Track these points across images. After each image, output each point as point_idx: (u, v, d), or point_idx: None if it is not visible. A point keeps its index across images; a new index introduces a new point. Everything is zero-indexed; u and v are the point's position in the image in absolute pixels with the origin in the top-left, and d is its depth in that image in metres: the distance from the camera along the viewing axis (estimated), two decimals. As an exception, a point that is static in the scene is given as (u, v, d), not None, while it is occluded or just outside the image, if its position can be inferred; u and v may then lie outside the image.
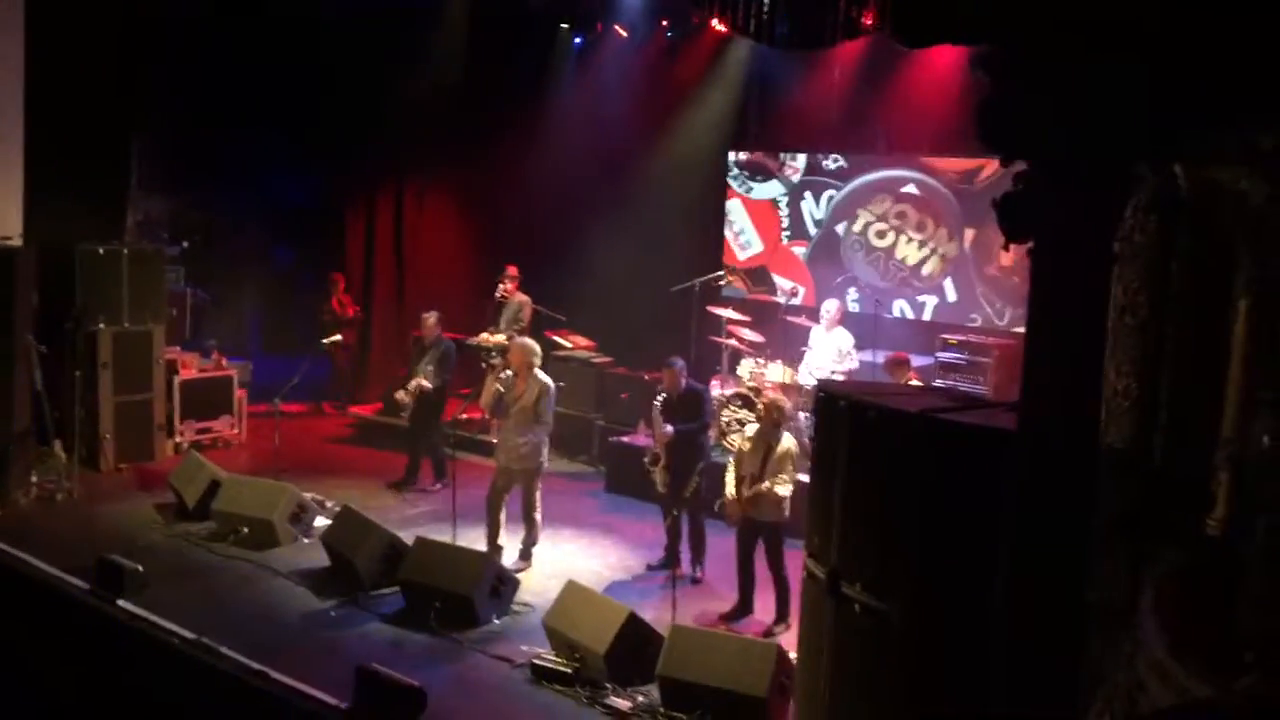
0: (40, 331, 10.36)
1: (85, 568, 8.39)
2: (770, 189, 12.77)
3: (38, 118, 11.11)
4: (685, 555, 8.73)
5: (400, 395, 10.82)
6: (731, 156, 13.03)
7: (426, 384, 10.49)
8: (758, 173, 12.89)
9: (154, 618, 7.81)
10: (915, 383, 9.27)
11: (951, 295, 11.54)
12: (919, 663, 4.99)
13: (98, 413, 11.08)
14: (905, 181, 11.84)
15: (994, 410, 5.46)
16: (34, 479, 10.27)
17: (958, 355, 10.58)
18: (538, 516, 8.98)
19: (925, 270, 11.70)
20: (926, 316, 11.67)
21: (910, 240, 11.79)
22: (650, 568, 8.96)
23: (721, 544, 8.74)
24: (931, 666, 4.95)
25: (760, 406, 8.43)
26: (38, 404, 10.28)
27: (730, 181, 13.06)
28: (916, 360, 10.09)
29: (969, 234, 11.44)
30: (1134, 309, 3.77)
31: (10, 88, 11.01)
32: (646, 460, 8.77)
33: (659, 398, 8.80)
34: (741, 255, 12.97)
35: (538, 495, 8.96)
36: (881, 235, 11.98)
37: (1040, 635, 4.08)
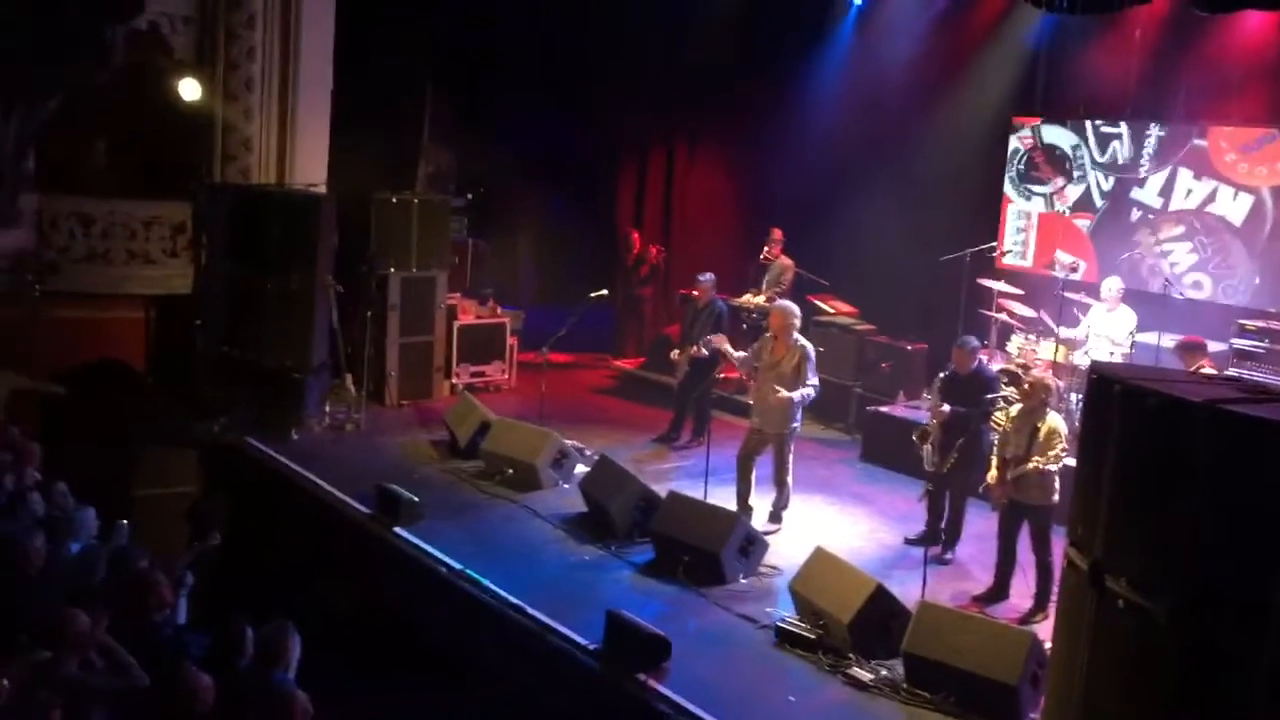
0: (338, 273, 11.22)
1: (366, 494, 9.11)
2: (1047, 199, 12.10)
3: (343, 75, 11.95)
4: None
5: (676, 355, 11.05)
6: (1013, 147, 12.32)
7: (704, 352, 10.64)
8: (1038, 181, 12.18)
9: (425, 545, 8.39)
10: (1208, 370, 8.62)
11: (1255, 278, 10.64)
12: (1184, 666, 4.70)
13: (385, 351, 11.89)
14: (1207, 154, 10.96)
15: (1291, 405, 5.02)
16: (327, 409, 11.17)
17: (1256, 343, 9.78)
18: (789, 480, 8.98)
19: (1224, 251, 10.82)
20: (1221, 299, 10.80)
21: (1208, 218, 10.93)
22: (908, 541, 8.77)
23: (979, 524, 8.49)
24: (1197, 671, 4.66)
25: (1026, 385, 8.09)
26: (333, 340, 11.16)
27: (1009, 190, 12.39)
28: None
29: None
30: None
31: (321, 48, 11.90)
32: (915, 436, 8.57)
33: (943, 373, 8.60)
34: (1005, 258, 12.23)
35: (789, 459, 8.95)
36: (1177, 211, 11.17)
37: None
